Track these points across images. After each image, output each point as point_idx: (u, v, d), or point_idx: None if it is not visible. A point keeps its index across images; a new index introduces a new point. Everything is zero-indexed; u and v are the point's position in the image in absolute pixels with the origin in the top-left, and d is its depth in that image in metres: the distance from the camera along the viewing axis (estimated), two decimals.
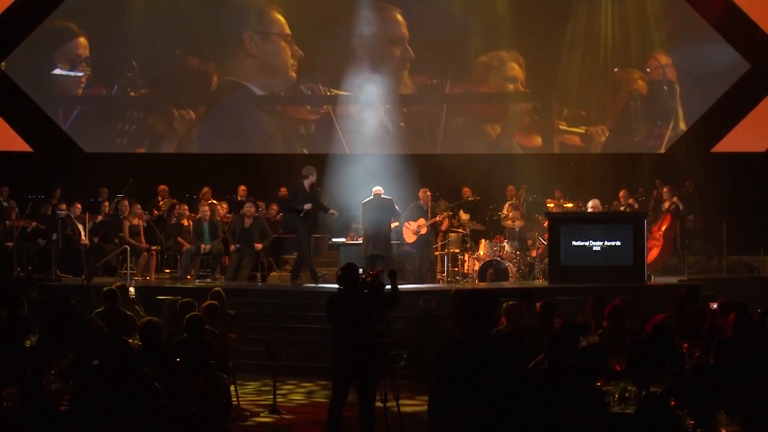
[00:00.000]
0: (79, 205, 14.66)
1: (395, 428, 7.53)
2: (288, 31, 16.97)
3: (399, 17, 16.99)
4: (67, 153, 16.87)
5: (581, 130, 17.05)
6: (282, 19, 17.02)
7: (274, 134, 17.42)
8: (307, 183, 12.84)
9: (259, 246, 13.74)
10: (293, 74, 17.06)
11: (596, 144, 17.07)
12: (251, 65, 17.14)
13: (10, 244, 14.01)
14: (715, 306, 8.83)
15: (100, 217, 15.03)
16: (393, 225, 13.41)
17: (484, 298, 5.05)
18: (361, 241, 13.10)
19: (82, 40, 17.09)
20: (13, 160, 16.66)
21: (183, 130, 17.34)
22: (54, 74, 17.06)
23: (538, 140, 17.25)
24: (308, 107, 17.24)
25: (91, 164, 16.64)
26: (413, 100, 17.25)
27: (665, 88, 16.86)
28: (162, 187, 15.99)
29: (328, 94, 16.98)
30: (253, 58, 17.09)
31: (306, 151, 17.15)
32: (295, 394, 10.11)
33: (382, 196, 13.00)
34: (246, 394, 9.81)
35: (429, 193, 14.22)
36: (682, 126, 16.85)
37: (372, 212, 12.87)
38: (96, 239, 14.68)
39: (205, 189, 15.47)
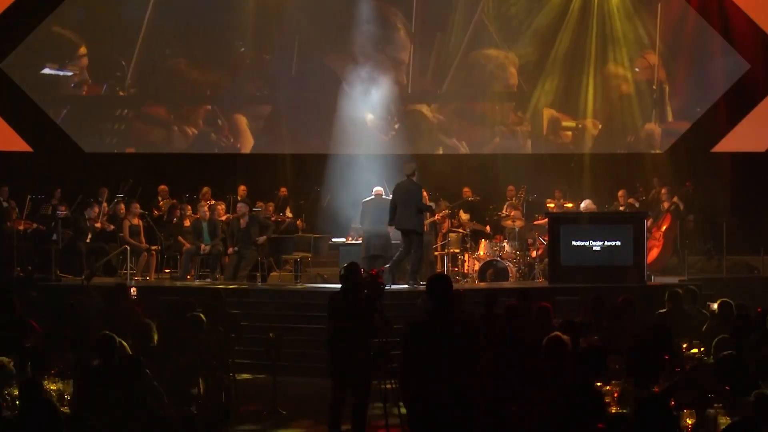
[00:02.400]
0: (97, 209, 14.60)
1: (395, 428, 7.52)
2: None
3: (403, 19, 16.99)
4: (67, 153, 16.85)
5: (573, 124, 17.08)
6: None
7: (272, 134, 17.42)
8: (415, 178, 12.43)
9: (262, 239, 13.75)
10: None
11: (588, 138, 17.06)
12: None
13: (23, 226, 13.98)
14: (715, 306, 8.83)
15: (112, 227, 14.89)
16: None
17: (443, 281, 5.65)
18: (361, 241, 13.09)
19: (76, 40, 17.07)
20: (13, 160, 16.63)
21: (177, 130, 17.35)
22: (44, 73, 17.02)
23: (532, 138, 17.25)
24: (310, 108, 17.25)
25: (91, 164, 16.61)
26: (414, 100, 17.23)
27: (654, 87, 16.86)
28: (162, 187, 15.95)
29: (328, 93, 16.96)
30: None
31: (306, 152, 17.13)
32: (295, 393, 10.10)
33: (383, 196, 12.99)
34: (246, 394, 9.81)
35: (426, 195, 14.19)
36: (672, 126, 16.84)
37: (372, 212, 12.85)
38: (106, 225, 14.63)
39: (205, 189, 15.45)
